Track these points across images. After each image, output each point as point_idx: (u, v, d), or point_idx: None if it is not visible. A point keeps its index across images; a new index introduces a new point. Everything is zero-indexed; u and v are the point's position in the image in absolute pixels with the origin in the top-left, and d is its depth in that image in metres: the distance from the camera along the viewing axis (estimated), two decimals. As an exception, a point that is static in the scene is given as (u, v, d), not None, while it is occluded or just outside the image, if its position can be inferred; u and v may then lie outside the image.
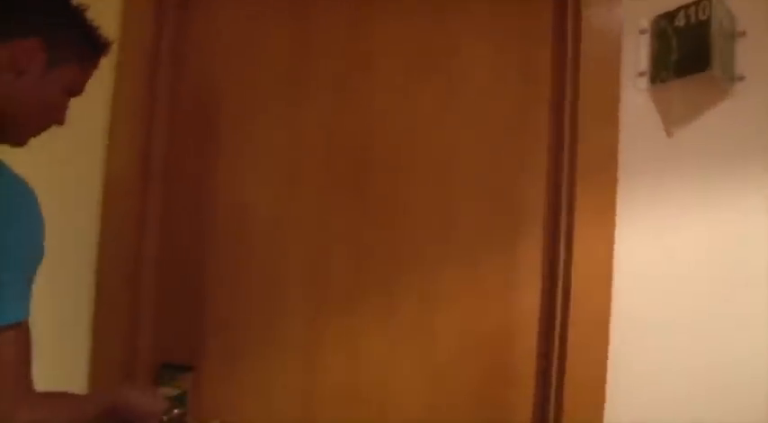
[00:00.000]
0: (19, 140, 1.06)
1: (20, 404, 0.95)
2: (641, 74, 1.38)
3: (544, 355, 1.41)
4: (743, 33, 1.35)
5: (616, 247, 1.35)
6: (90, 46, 1.09)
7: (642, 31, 1.38)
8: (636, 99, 1.38)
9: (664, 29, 1.35)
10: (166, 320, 1.54)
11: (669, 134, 1.37)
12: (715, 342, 1.33)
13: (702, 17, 1.26)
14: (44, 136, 1.09)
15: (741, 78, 1.34)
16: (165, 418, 1.32)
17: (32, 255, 0.97)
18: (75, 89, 1.09)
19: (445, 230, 1.46)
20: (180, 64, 1.57)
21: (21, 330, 0.95)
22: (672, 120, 1.37)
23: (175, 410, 1.38)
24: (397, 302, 1.48)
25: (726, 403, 1.32)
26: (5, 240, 0.91)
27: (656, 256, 1.36)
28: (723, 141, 1.35)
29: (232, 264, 1.53)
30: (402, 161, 1.48)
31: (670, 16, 1.33)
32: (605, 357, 1.33)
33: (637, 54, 1.38)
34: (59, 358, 1.50)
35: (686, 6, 1.30)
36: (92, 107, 1.50)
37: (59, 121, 1.10)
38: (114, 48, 1.20)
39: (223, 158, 1.54)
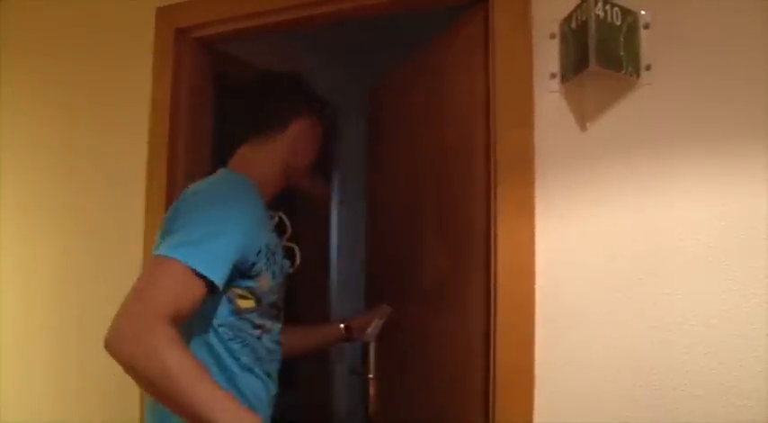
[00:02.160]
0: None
1: (157, 327, 1.10)
2: (553, 76, 1.48)
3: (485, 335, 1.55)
4: (647, 26, 1.40)
5: (537, 237, 1.47)
6: None
7: (552, 36, 1.49)
8: (550, 99, 1.48)
9: (565, 32, 1.44)
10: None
11: (583, 128, 1.46)
12: (637, 321, 1.40)
13: (583, 18, 1.36)
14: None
15: (648, 67, 1.40)
16: None
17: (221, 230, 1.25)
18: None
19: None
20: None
21: (185, 273, 1.17)
22: (585, 115, 1.45)
23: None
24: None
25: (650, 382, 1.38)
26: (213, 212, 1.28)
27: (576, 243, 1.45)
28: (636, 129, 1.42)
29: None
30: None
31: (568, 20, 1.43)
32: (532, 340, 1.46)
33: (548, 57, 1.49)
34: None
35: (574, 10, 1.40)
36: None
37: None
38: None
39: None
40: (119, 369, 1.09)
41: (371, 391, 1.81)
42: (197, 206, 1.32)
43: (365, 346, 1.84)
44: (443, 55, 1.80)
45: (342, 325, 1.88)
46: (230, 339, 1.37)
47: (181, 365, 1.10)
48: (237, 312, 1.38)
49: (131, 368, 1.09)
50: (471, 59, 1.65)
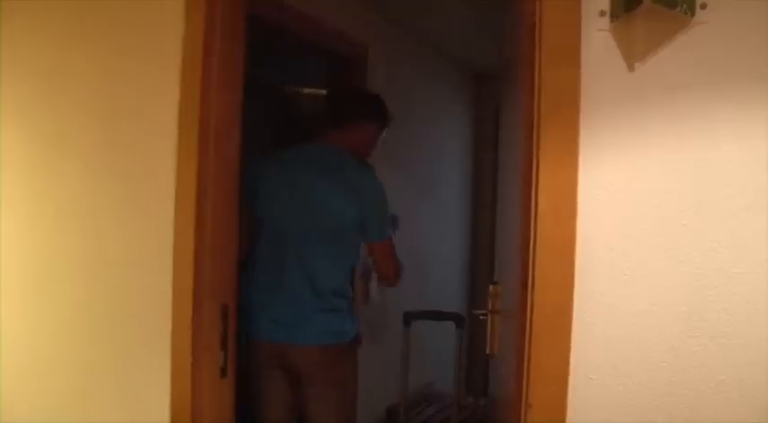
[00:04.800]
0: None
1: (400, 270, 2.52)
2: (602, 13, 1.43)
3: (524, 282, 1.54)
4: (705, -38, 1.35)
5: (580, 180, 1.44)
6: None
7: (603, -29, 1.43)
8: (598, 38, 1.43)
9: (619, -33, 1.39)
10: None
11: (631, 69, 1.41)
12: (679, 268, 1.38)
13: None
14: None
15: (703, 6, 1.35)
16: None
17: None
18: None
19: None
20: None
21: (390, 241, 2.45)
22: (634, 55, 1.41)
23: None
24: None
25: (690, 329, 1.37)
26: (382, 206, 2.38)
27: (620, 188, 1.42)
28: (687, 71, 1.38)
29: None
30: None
31: (623, -46, 1.37)
32: (571, 284, 1.44)
33: (598, -6, 1.44)
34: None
35: (632, -58, 1.34)
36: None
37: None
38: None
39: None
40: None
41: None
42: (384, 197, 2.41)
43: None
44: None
45: None
46: None
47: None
48: None
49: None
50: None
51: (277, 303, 2.30)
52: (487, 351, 2.11)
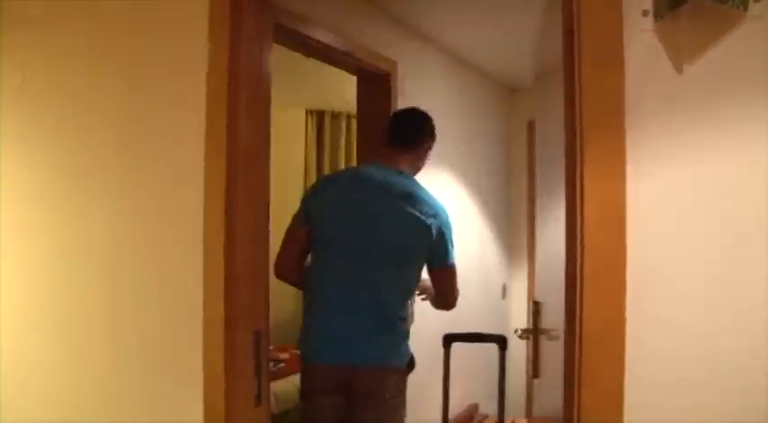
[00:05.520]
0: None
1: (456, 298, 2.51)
2: (645, 12, 1.35)
3: (571, 297, 1.45)
4: (757, -48, 1.26)
5: (629, 190, 1.35)
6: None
7: (644, -31, 1.35)
8: (641, 39, 1.35)
9: (660, -37, 1.31)
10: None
11: (679, 70, 1.33)
12: (736, 278, 1.29)
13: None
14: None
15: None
16: None
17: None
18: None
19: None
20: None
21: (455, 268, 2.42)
22: (682, 56, 1.32)
23: None
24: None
25: (751, 342, 1.27)
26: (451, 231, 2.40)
27: (672, 197, 1.34)
28: (740, 70, 1.30)
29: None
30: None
31: (664, -52, 1.30)
32: (623, 297, 1.35)
33: (640, -7, 1.36)
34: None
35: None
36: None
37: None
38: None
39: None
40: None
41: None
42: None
43: None
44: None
45: None
46: None
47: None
48: None
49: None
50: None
51: (343, 324, 2.27)
52: (530, 372, 2.03)
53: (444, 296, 2.51)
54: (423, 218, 2.28)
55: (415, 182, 2.41)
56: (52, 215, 1.96)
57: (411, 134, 2.45)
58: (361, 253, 2.27)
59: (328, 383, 2.28)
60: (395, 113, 2.78)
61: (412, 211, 2.28)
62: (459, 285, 2.46)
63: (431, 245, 2.31)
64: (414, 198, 2.30)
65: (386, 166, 2.39)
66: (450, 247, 2.39)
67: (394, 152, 2.42)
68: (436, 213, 2.33)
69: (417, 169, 2.50)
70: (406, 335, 2.38)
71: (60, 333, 1.93)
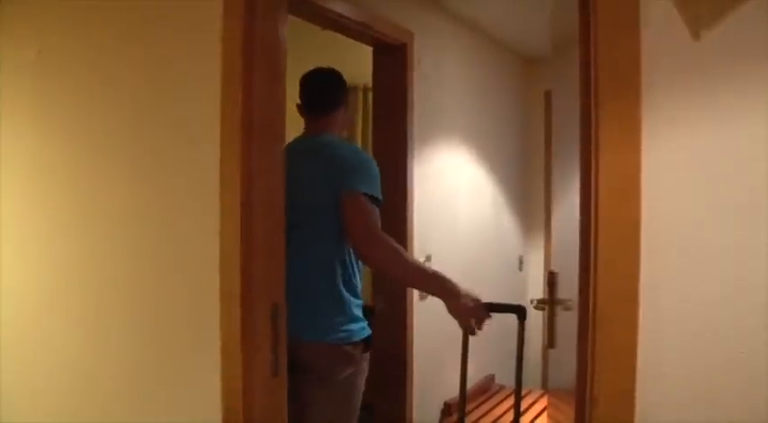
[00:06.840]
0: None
1: (379, 238, 2.11)
2: (663, -21, 1.33)
3: (585, 267, 1.46)
4: None
5: (644, 160, 1.34)
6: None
7: (662, -66, 1.33)
8: (658, 4, 1.33)
9: (678, -74, 1.29)
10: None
11: (696, 37, 1.31)
12: (754, 250, 1.28)
13: None
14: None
15: (777, -35, 1.24)
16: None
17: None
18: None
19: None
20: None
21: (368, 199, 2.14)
22: (699, 22, 1.30)
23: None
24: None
25: (763, 316, 1.27)
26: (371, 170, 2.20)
27: (688, 167, 1.32)
28: (760, 37, 1.27)
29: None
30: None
31: None
32: (637, 267, 1.35)
33: (657, -42, 1.33)
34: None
35: None
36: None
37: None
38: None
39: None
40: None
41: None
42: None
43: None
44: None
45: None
46: None
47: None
48: None
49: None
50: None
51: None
52: (546, 343, 2.03)
53: (351, 232, 2.17)
54: (331, 163, 2.21)
55: (333, 139, 2.34)
56: (70, 187, 1.98)
57: (322, 103, 2.38)
58: (293, 218, 1.97)
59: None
60: (304, 78, 2.45)
61: (323, 161, 2.23)
62: (476, 258, 2.42)
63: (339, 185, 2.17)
64: (328, 150, 2.26)
65: (307, 138, 2.37)
66: (357, 177, 2.16)
67: (311, 122, 2.39)
68: (347, 157, 2.24)
69: (342, 128, 2.45)
70: (348, 309, 2.21)
71: (76, 304, 1.96)
